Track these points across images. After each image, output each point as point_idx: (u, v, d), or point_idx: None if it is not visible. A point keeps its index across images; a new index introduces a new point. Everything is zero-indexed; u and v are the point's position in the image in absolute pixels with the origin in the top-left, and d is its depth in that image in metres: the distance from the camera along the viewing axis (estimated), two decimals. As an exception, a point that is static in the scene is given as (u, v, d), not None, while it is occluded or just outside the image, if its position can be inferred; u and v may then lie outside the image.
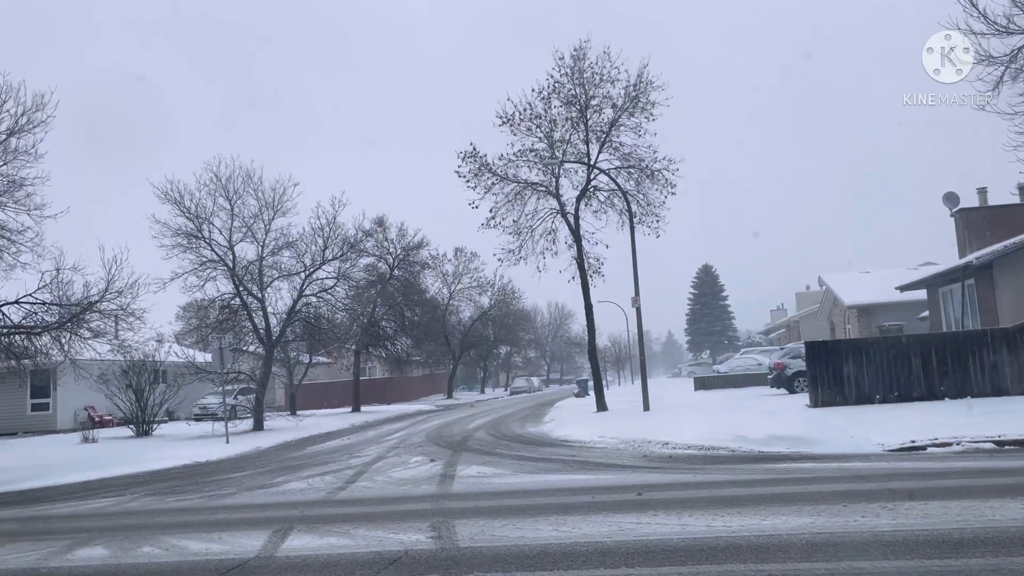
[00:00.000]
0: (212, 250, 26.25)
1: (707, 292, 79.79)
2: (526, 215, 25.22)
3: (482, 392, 66.63)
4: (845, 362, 17.78)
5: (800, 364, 25.73)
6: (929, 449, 11.48)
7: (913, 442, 11.75)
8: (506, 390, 68.77)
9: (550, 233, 25.33)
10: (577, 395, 40.81)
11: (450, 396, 57.47)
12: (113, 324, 19.58)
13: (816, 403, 17.88)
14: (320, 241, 29.45)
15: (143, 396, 26.06)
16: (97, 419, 30.84)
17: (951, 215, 24.71)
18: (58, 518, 10.47)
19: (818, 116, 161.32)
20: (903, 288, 25.60)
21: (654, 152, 23.68)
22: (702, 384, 35.85)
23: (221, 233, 26.40)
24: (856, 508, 6.96)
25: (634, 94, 23.21)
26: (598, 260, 25.07)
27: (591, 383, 46.23)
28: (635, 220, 23.03)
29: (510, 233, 25.13)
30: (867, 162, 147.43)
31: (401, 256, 42.02)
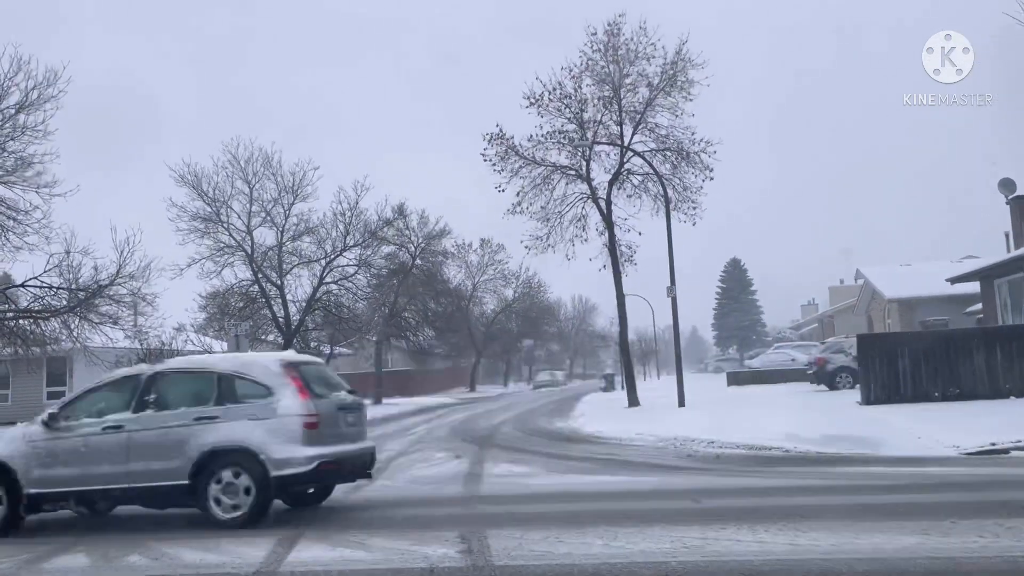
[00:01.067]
0: (230, 235, 25.50)
1: (735, 286, 77.81)
2: (555, 200, 24.07)
3: (505, 386, 65.66)
4: (901, 357, 16.51)
5: (843, 359, 24.42)
6: (1012, 453, 10.28)
7: (993, 444, 10.56)
8: (529, 384, 67.70)
9: (580, 220, 24.17)
10: (604, 389, 39.68)
11: (472, 389, 56.58)
12: (126, 309, 18.81)
13: (869, 400, 16.65)
14: (341, 227, 28.56)
15: (159, 385, 25.25)
16: (114, 408, 30.21)
17: (1007, 202, 23.22)
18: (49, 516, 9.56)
19: (839, 112, 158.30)
20: (954, 280, 24.16)
21: (692, 134, 22.44)
22: (735, 379, 34.54)
23: (240, 217, 25.65)
24: (968, 525, 5.82)
25: (671, 72, 21.97)
26: (630, 248, 23.89)
27: (618, 377, 45.22)
28: (671, 206, 21.81)
29: (538, 219, 24.03)
30: (894, 156, 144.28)
31: (423, 245, 41.04)
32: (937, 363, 16.37)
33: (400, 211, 37.04)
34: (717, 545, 5.72)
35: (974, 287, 27.06)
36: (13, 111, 14.97)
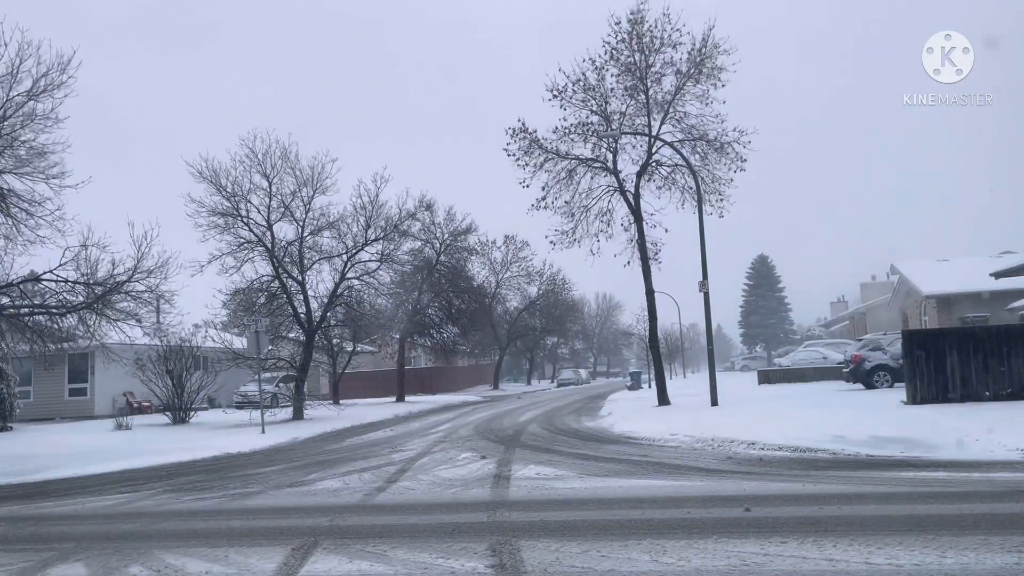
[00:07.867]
0: (250, 230, 25.02)
1: (762, 283, 76.50)
2: (580, 194, 23.40)
3: (528, 383, 65.05)
4: (949, 354, 15.66)
5: (880, 357, 23.55)
6: (1084, 457, 9.49)
7: (1062, 448, 9.77)
8: (552, 382, 67.06)
9: (605, 214, 23.47)
10: (630, 387, 38.94)
11: (496, 387, 56.06)
12: (144, 306, 18.39)
13: (914, 399, 15.82)
14: (362, 220, 28.06)
15: (180, 382, 24.95)
16: (136, 405, 30.03)
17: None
18: (54, 519, 9.09)
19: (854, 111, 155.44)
20: (999, 274, 23.15)
21: (722, 122, 21.62)
22: (766, 378, 33.65)
23: (259, 212, 25.17)
24: (1068, 542, 5.12)
25: (699, 59, 21.16)
26: (655, 245, 23.13)
27: (644, 375, 44.37)
28: (700, 198, 20.99)
29: (562, 214, 23.35)
30: (922, 153, 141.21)
31: (448, 241, 40.48)
32: (988, 360, 15.52)
33: (427, 205, 36.44)
34: (781, 563, 5.07)
35: (1015, 283, 26.07)
36: (24, 99, 14.56)
